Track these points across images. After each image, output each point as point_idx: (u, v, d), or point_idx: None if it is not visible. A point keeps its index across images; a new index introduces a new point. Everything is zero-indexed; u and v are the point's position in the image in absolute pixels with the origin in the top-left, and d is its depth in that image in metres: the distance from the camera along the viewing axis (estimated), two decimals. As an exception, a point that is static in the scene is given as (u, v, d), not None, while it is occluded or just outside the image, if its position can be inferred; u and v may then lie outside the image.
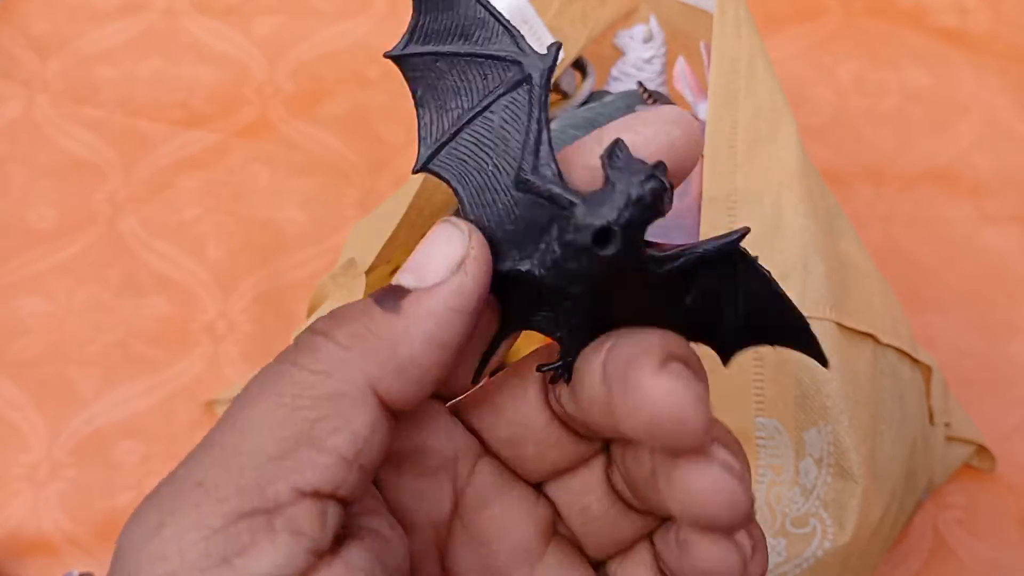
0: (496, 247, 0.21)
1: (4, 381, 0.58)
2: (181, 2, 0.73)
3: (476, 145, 0.22)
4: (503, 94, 0.22)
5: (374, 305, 0.20)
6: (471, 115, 0.22)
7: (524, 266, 0.21)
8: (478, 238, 0.21)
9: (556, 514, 0.24)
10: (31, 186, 0.65)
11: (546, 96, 0.21)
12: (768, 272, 0.22)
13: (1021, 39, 0.70)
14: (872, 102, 0.68)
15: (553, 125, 0.49)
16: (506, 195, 0.21)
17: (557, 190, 0.21)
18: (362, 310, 0.20)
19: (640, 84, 0.51)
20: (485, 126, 0.22)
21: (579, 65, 0.53)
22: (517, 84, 0.21)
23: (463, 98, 0.22)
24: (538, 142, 0.21)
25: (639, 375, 0.19)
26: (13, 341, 0.59)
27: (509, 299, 0.22)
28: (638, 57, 0.52)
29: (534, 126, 0.21)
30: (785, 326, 0.23)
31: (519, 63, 0.22)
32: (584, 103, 0.52)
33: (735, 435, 0.43)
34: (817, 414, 0.41)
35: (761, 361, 0.42)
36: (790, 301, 0.23)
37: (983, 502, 0.53)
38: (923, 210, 0.63)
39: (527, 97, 0.21)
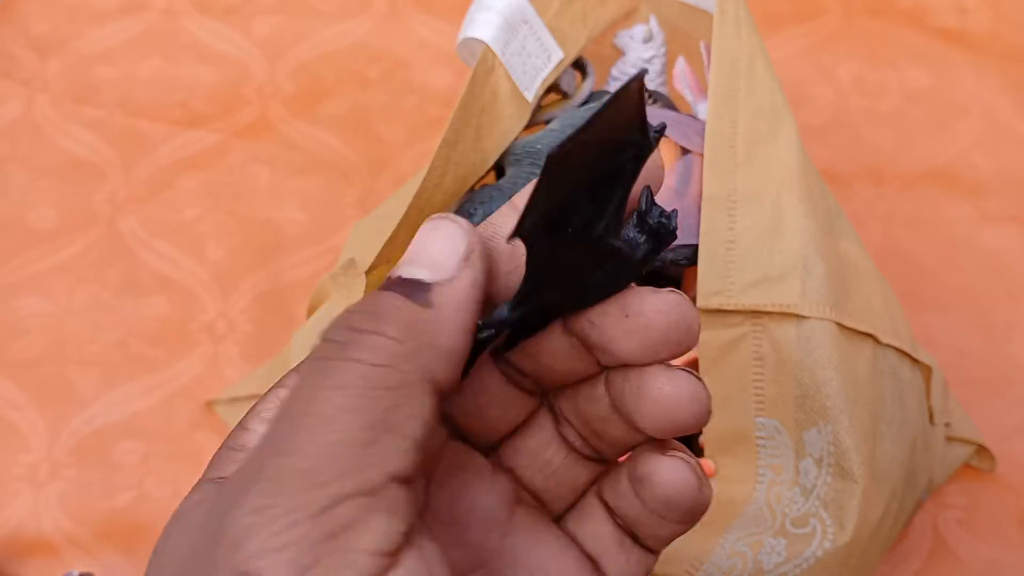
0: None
1: (4, 381, 0.58)
2: (181, 2, 0.73)
3: None
4: None
5: (406, 300, 0.21)
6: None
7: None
8: (475, 233, 0.22)
9: (517, 485, 0.26)
10: (31, 186, 0.65)
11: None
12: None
13: (1021, 39, 0.70)
14: (872, 102, 0.68)
15: (553, 125, 0.49)
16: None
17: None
18: (396, 306, 0.21)
19: (640, 84, 0.51)
20: None
21: (579, 65, 0.53)
22: None
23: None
24: None
25: (642, 297, 0.23)
26: (13, 341, 0.59)
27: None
28: (638, 57, 0.52)
29: None
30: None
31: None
32: (584, 103, 0.52)
33: (735, 435, 0.43)
34: (817, 414, 0.41)
35: (761, 361, 0.42)
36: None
37: (983, 502, 0.53)
38: (923, 210, 0.63)
39: None
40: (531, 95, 0.47)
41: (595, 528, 0.26)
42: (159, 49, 0.71)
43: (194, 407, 0.57)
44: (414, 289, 0.22)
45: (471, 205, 0.44)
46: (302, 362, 0.22)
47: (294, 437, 0.20)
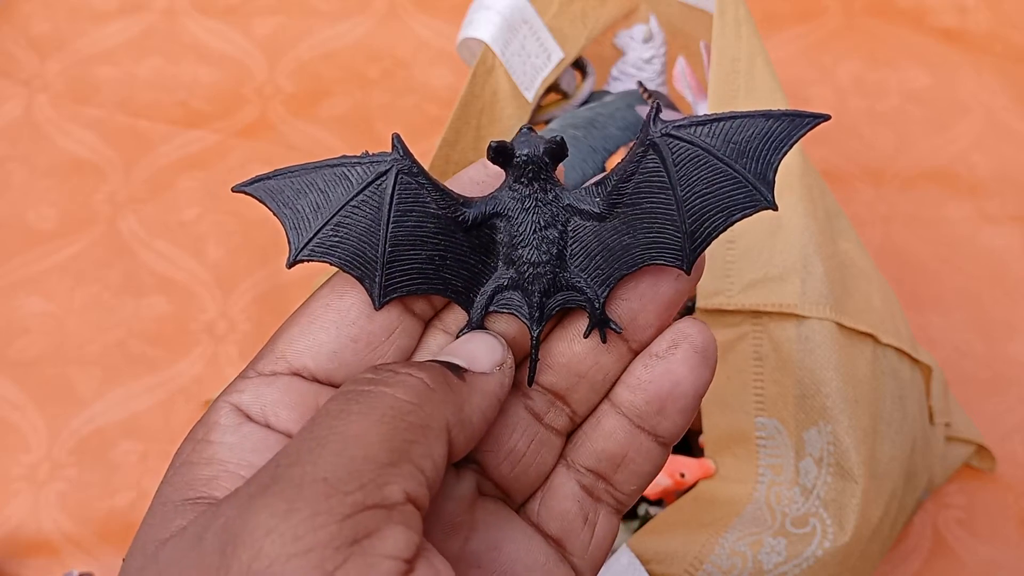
0: (474, 285, 0.26)
1: (4, 381, 0.58)
2: (181, 2, 0.73)
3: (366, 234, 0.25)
4: (363, 189, 0.25)
5: (445, 369, 0.23)
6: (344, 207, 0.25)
7: (505, 280, 0.25)
8: (511, 353, 0.25)
9: (481, 477, 0.26)
10: (31, 186, 0.65)
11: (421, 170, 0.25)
12: (691, 136, 0.24)
13: (1021, 39, 0.70)
14: (872, 102, 0.68)
15: (553, 124, 0.49)
16: (453, 249, 0.25)
17: (501, 199, 0.25)
18: (435, 368, 0.23)
19: (640, 84, 0.51)
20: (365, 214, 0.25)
21: (579, 65, 0.53)
22: (379, 177, 0.25)
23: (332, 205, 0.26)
24: (444, 192, 0.25)
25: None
26: (13, 341, 0.59)
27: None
28: (638, 57, 0.52)
29: (431, 189, 0.25)
30: (732, 194, 0.24)
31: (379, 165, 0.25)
32: (584, 103, 0.52)
33: (735, 435, 0.43)
34: (817, 414, 0.41)
35: (761, 361, 0.42)
36: (724, 158, 0.24)
37: (983, 502, 0.53)
38: (923, 210, 0.63)
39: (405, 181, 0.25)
40: (531, 95, 0.47)
41: (560, 507, 0.26)
42: (159, 49, 0.71)
43: (194, 407, 0.57)
44: (452, 369, 0.24)
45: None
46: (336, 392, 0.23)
47: (318, 450, 0.20)
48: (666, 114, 0.25)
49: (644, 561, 0.40)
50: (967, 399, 0.55)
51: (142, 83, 0.69)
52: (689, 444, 0.48)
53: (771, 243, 0.42)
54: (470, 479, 0.26)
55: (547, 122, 0.51)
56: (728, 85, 0.44)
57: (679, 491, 0.44)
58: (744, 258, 0.42)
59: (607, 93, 0.52)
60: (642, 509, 0.46)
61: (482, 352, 0.25)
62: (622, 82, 0.53)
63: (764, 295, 0.41)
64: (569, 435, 0.27)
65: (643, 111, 0.48)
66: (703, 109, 0.49)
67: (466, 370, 0.24)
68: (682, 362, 0.25)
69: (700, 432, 0.45)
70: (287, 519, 0.19)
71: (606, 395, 0.26)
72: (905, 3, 0.72)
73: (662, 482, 0.43)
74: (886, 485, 0.43)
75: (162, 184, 0.65)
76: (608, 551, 0.27)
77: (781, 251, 0.42)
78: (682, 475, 0.43)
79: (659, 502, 0.46)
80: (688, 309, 0.46)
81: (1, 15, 0.72)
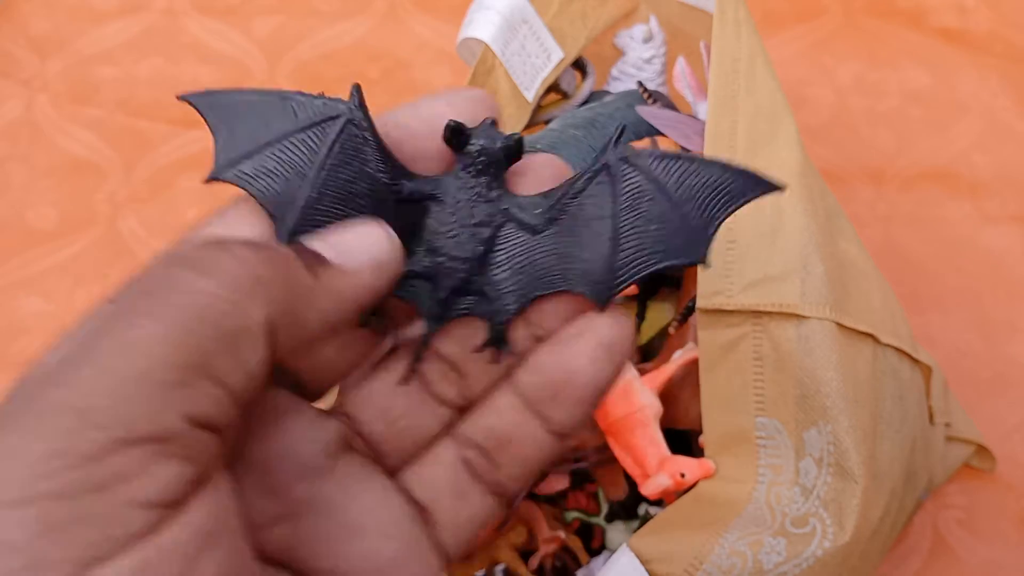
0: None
1: (4, 381, 0.58)
2: (181, 2, 0.73)
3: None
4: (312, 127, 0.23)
5: (294, 256, 0.20)
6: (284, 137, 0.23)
7: (419, 267, 0.24)
8: (400, 254, 0.23)
9: (352, 432, 0.24)
10: (31, 186, 0.65)
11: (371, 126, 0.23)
12: (647, 167, 0.23)
13: (1021, 39, 0.70)
14: (872, 102, 0.68)
15: (552, 125, 0.49)
16: (378, 216, 0.23)
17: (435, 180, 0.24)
18: (281, 251, 0.20)
19: (640, 84, 0.51)
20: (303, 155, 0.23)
21: (579, 65, 0.53)
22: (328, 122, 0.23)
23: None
24: (383, 156, 0.23)
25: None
26: (13, 341, 0.59)
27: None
28: (638, 57, 0.52)
29: (373, 148, 0.23)
30: (670, 239, 0.23)
31: (334, 117, 0.23)
32: (584, 103, 0.52)
33: (735, 435, 0.43)
34: (817, 414, 0.41)
35: (761, 361, 0.42)
36: (673, 198, 0.23)
37: (983, 502, 0.53)
38: (923, 210, 0.63)
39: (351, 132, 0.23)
40: (531, 95, 0.47)
41: (432, 474, 0.25)
42: (159, 49, 0.71)
43: (194, 407, 0.57)
44: (310, 256, 0.20)
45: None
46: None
47: (80, 364, 0.17)
48: (634, 145, 0.24)
49: (644, 561, 0.40)
50: (967, 399, 0.55)
51: (142, 83, 0.69)
52: (689, 444, 0.48)
53: (771, 243, 0.42)
54: (334, 427, 0.24)
55: (547, 122, 0.51)
56: (728, 85, 0.44)
57: (679, 491, 0.44)
58: (744, 258, 0.42)
59: (607, 93, 0.52)
60: (642, 509, 0.46)
61: (358, 244, 0.21)
62: (622, 82, 0.53)
63: (764, 295, 0.41)
64: (462, 410, 0.25)
65: (643, 111, 0.48)
66: (703, 109, 0.49)
67: (324, 262, 0.21)
68: (583, 353, 0.23)
69: (700, 432, 0.45)
70: (13, 459, 0.16)
71: (507, 376, 0.25)
72: (905, 3, 0.72)
73: (662, 482, 0.43)
74: (886, 485, 0.43)
75: (162, 184, 0.65)
76: (478, 532, 0.25)
77: (781, 251, 0.42)
78: (682, 475, 0.43)
79: (659, 502, 0.46)
80: (689, 309, 0.46)
81: (1, 15, 0.72)
